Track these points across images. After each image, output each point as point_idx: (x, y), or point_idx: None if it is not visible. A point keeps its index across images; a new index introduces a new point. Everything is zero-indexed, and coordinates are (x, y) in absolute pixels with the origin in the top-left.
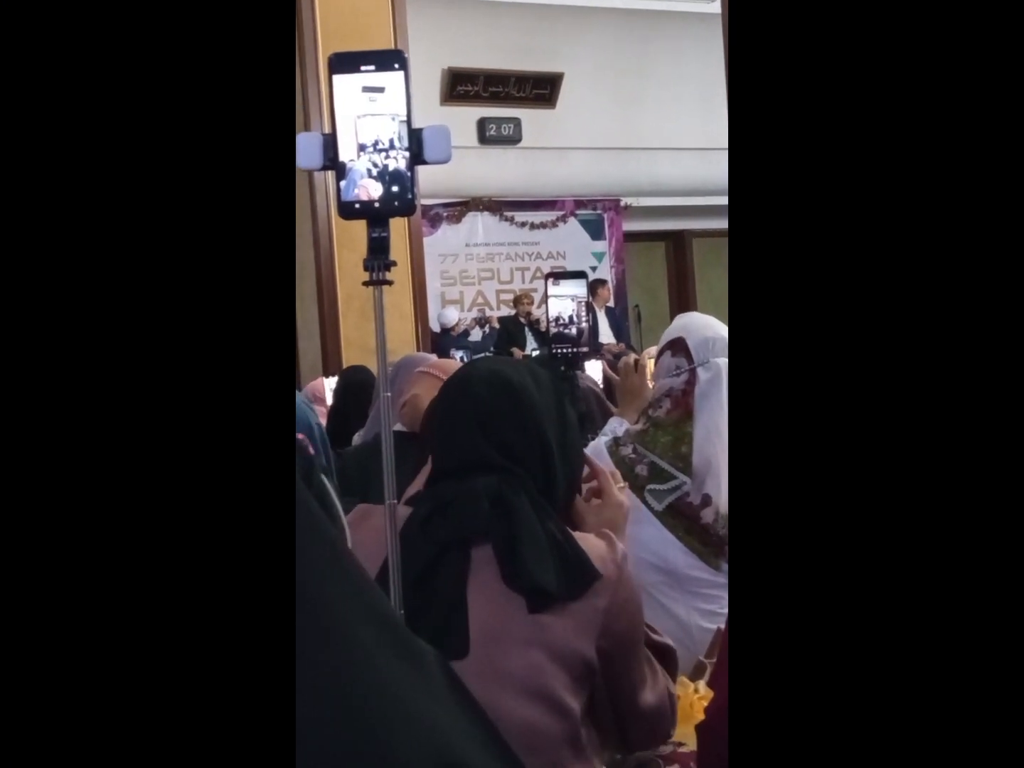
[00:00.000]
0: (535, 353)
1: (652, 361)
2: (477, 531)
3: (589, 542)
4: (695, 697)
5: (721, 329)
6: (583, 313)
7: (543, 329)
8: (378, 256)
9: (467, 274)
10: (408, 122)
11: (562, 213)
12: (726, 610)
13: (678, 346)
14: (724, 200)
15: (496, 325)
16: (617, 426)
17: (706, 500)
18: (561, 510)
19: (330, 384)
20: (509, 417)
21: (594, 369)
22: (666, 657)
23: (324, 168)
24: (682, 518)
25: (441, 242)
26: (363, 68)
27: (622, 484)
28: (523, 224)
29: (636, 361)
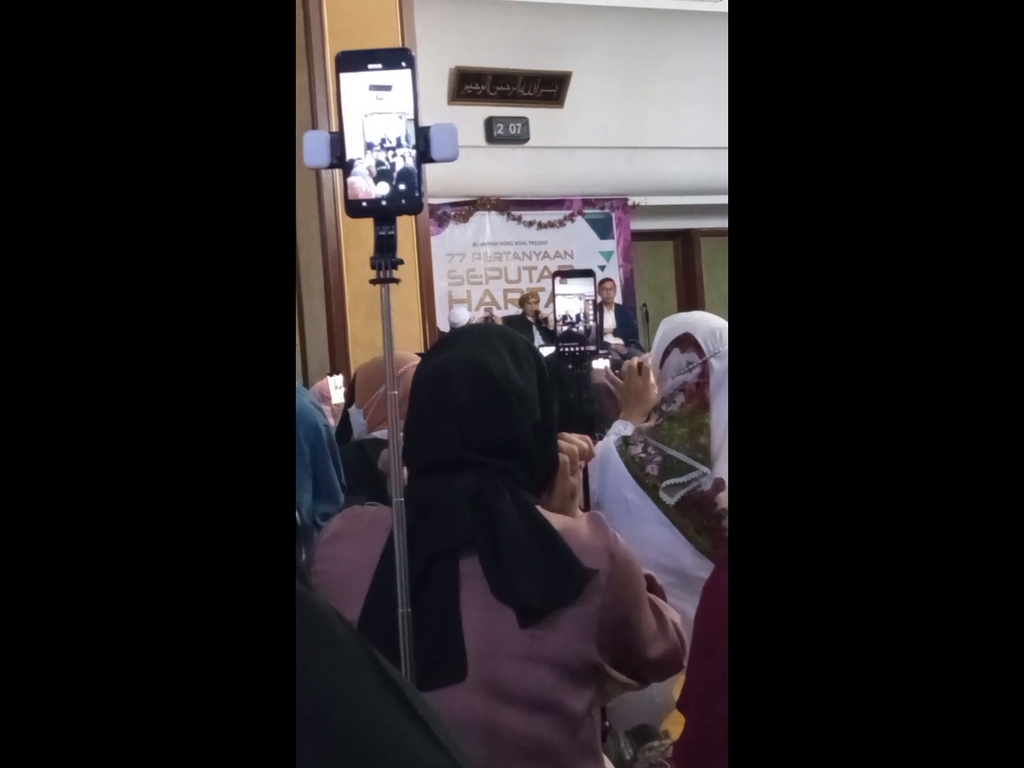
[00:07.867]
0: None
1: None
2: (461, 541)
3: (576, 533)
4: None
5: (725, 321)
6: (590, 312)
7: (551, 328)
8: (385, 254)
9: (474, 273)
10: (415, 120)
11: (570, 212)
12: None
13: (686, 342)
14: None
15: None
16: (622, 428)
17: (719, 485)
18: (542, 490)
19: (335, 382)
20: (492, 415)
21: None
22: (654, 588)
23: (331, 166)
24: (693, 515)
25: (448, 241)
26: (370, 66)
27: (581, 463)
28: (531, 223)
29: (640, 364)
